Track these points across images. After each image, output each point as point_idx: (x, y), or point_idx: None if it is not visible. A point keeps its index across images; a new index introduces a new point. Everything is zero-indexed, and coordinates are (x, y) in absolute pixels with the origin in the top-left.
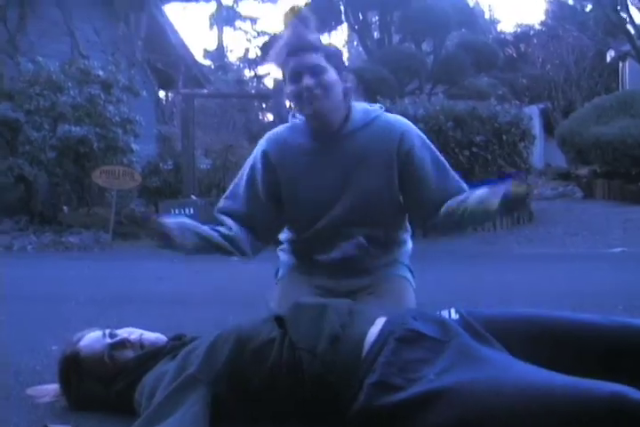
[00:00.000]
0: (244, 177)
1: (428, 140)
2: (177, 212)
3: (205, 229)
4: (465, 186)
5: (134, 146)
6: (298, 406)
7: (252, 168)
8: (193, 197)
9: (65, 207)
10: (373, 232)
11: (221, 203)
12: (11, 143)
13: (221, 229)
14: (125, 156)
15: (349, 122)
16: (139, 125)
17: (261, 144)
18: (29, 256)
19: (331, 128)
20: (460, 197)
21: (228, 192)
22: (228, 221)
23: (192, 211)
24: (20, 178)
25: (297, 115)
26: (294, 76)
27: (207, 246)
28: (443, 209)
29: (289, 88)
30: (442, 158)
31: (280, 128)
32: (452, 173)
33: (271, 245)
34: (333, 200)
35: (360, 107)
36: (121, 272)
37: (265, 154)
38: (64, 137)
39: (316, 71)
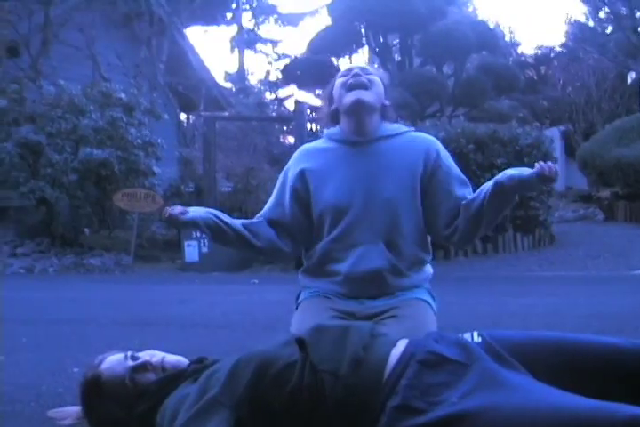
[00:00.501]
0: (277, 186)
1: (450, 157)
2: (199, 234)
3: (220, 212)
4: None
5: (156, 169)
6: None
7: (283, 179)
8: None
9: (86, 230)
10: (393, 240)
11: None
12: (33, 166)
13: (245, 221)
14: (147, 178)
15: (382, 129)
16: (160, 148)
17: (295, 156)
18: (51, 278)
19: (364, 129)
20: (479, 190)
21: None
22: (259, 220)
23: None
24: (41, 200)
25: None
26: (346, 71)
27: (224, 228)
28: (462, 204)
29: (337, 81)
30: (459, 171)
31: (316, 141)
32: (470, 187)
33: (293, 267)
34: (356, 204)
35: (392, 123)
36: (142, 295)
37: (297, 165)
38: (85, 160)
39: (367, 71)
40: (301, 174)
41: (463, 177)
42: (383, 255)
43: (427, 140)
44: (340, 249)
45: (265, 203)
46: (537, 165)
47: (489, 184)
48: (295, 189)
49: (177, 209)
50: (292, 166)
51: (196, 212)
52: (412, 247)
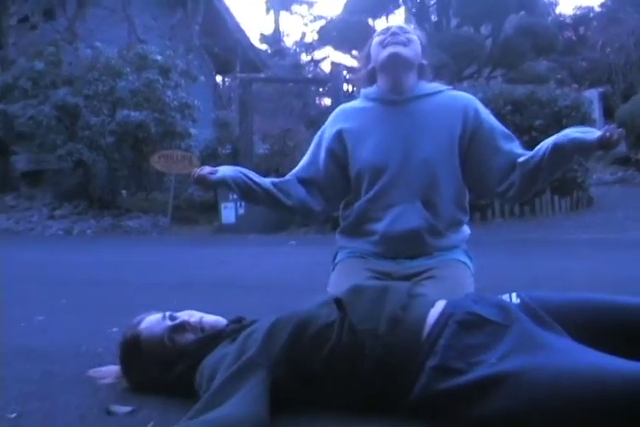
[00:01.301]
0: (311, 145)
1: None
2: (235, 196)
3: (251, 172)
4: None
5: (192, 130)
6: (357, 389)
7: (319, 139)
8: None
9: (123, 192)
10: (431, 200)
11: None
12: (70, 128)
13: (275, 179)
14: (183, 140)
15: (419, 88)
16: (197, 110)
17: (332, 116)
18: (89, 240)
19: (401, 87)
20: (537, 148)
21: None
22: (289, 179)
23: None
24: (79, 163)
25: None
26: (384, 30)
27: (253, 188)
28: (518, 161)
29: (375, 40)
30: (507, 131)
31: (353, 101)
32: (518, 142)
33: (330, 228)
34: (393, 164)
35: (430, 82)
36: (180, 256)
37: (334, 125)
38: (122, 122)
39: (405, 30)
40: (338, 135)
41: (507, 131)
42: (420, 215)
43: (465, 98)
44: (376, 209)
45: None
46: (603, 129)
47: (548, 142)
48: (331, 150)
49: (206, 169)
50: (329, 127)
51: (225, 171)
52: (449, 208)
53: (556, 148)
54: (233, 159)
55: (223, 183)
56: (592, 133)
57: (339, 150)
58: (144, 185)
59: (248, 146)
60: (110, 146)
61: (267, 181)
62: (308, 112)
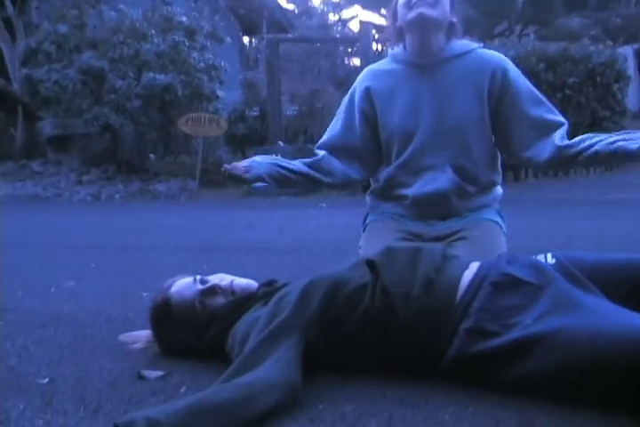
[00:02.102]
0: (342, 109)
1: (523, 75)
2: None
3: (284, 160)
4: (562, 119)
5: (219, 93)
6: (391, 352)
7: (350, 100)
8: (280, 143)
9: (151, 155)
10: (462, 165)
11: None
12: (96, 92)
13: (305, 160)
14: (211, 103)
15: (447, 49)
16: (223, 72)
17: (360, 76)
18: (117, 205)
19: (429, 49)
20: (580, 140)
21: (327, 130)
22: (320, 153)
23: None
24: (105, 127)
25: (395, 48)
26: None
27: (289, 176)
28: (556, 144)
29: (401, 0)
30: (538, 92)
31: (380, 62)
32: (550, 105)
33: (360, 190)
34: (423, 129)
35: (460, 41)
36: (209, 220)
37: (363, 84)
38: (149, 85)
39: None
40: (368, 95)
41: (537, 95)
42: (450, 179)
43: (494, 59)
44: (406, 174)
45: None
46: None
47: (592, 143)
48: (363, 111)
49: (239, 168)
50: (358, 87)
51: (258, 167)
52: (481, 170)
53: (598, 156)
54: (261, 121)
55: (259, 180)
56: (635, 142)
57: (369, 111)
58: (172, 148)
59: (276, 107)
60: (137, 109)
61: (301, 166)
62: (336, 73)
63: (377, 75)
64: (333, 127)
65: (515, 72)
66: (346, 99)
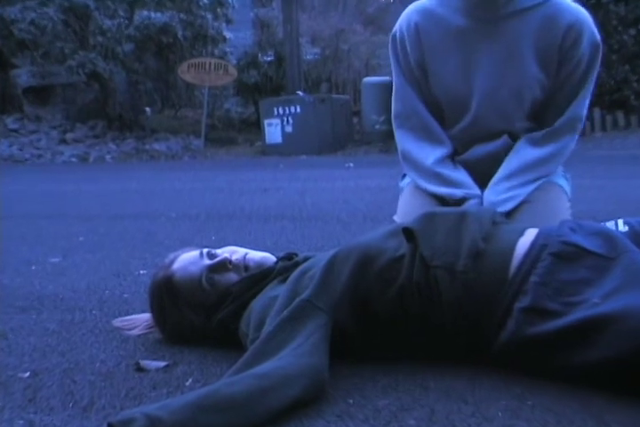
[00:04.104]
0: (393, 62)
1: (599, 44)
2: (281, 111)
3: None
4: (583, 116)
5: (227, 34)
6: (431, 336)
7: (401, 46)
8: (299, 92)
9: (147, 109)
10: (521, 132)
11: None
12: (80, 34)
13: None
14: (217, 46)
15: (515, 1)
16: (231, 9)
17: (407, 15)
18: (109, 168)
19: (493, 3)
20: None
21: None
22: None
23: (299, 109)
24: (93, 76)
25: None
26: None
27: None
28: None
29: None
30: (593, 76)
31: (425, 1)
32: (587, 99)
33: (394, 147)
34: (478, 93)
35: None
36: (218, 184)
37: (413, 25)
38: (143, 25)
39: None
40: (417, 36)
41: (580, 87)
42: (506, 141)
43: (573, 14)
44: (457, 144)
45: (359, 72)
46: None
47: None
48: (418, 61)
49: None
50: (405, 27)
51: None
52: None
53: None
54: (277, 67)
55: None
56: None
57: (420, 59)
58: (172, 101)
59: (294, 51)
60: (129, 55)
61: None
62: (364, 9)
63: (426, 16)
64: (402, 89)
65: (590, 40)
66: (392, 51)
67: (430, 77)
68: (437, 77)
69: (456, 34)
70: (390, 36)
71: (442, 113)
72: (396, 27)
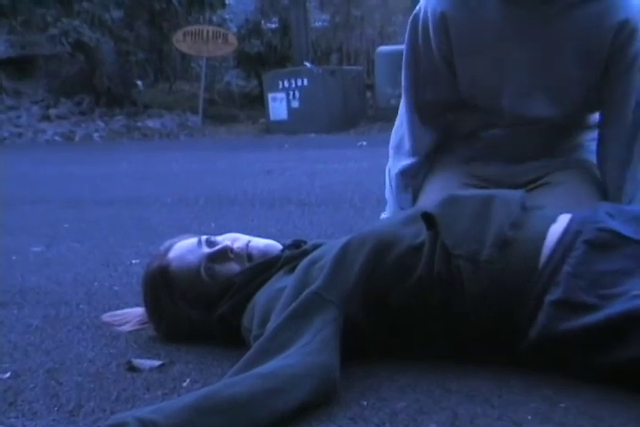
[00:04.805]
0: (408, 48)
1: None
2: (286, 85)
3: None
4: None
5: None
6: (453, 331)
7: (418, 29)
8: (307, 64)
9: (139, 83)
10: (558, 126)
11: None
12: (63, 0)
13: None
14: (215, 12)
15: None
16: None
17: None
18: (97, 148)
19: None
20: None
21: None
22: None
23: (306, 82)
24: (78, 45)
25: None
26: None
27: None
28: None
29: None
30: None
31: None
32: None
33: None
34: (511, 92)
35: None
36: (217, 165)
37: (439, 12)
38: None
39: None
40: (444, 27)
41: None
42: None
43: (623, 11)
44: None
45: (372, 40)
46: None
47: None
48: (440, 49)
49: None
50: (430, 12)
51: None
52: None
53: None
54: (282, 36)
55: None
56: None
57: (446, 51)
58: (166, 73)
59: (301, 17)
60: (118, 22)
61: None
62: None
63: (457, 2)
64: (415, 76)
65: None
66: (411, 33)
67: (457, 72)
68: (465, 74)
69: (491, 28)
70: (410, 19)
71: (461, 111)
72: (420, 8)
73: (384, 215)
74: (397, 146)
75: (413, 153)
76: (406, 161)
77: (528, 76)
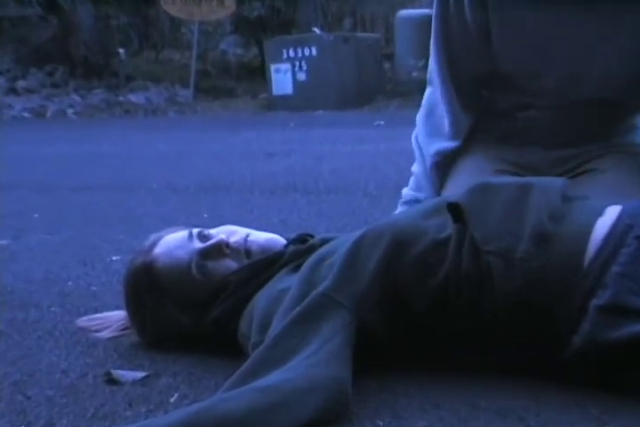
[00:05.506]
0: (437, 12)
1: None
2: (292, 54)
3: None
4: None
5: None
6: (481, 340)
7: (452, 5)
8: (316, 30)
9: (121, 51)
10: (607, 108)
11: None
12: None
13: None
14: None
15: None
16: None
17: None
18: (72, 126)
19: None
20: None
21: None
22: None
23: (315, 52)
24: (50, 7)
25: None
26: None
27: None
28: None
29: None
30: None
31: None
32: None
33: None
34: (567, 66)
35: None
36: (210, 146)
37: None
38: None
39: None
40: (482, 2)
41: None
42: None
43: None
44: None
45: (391, 3)
46: None
47: None
48: (480, 26)
49: None
50: None
51: None
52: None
53: None
54: None
55: None
56: None
57: (482, 21)
58: (152, 40)
59: None
60: None
61: None
62: None
63: None
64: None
65: None
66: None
67: (494, 45)
68: (504, 50)
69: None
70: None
71: (495, 89)
72: None
73: (405, 191)
74: (426, 118)
75: (453, 136)
76: (445, 143)
77: (579, 52)
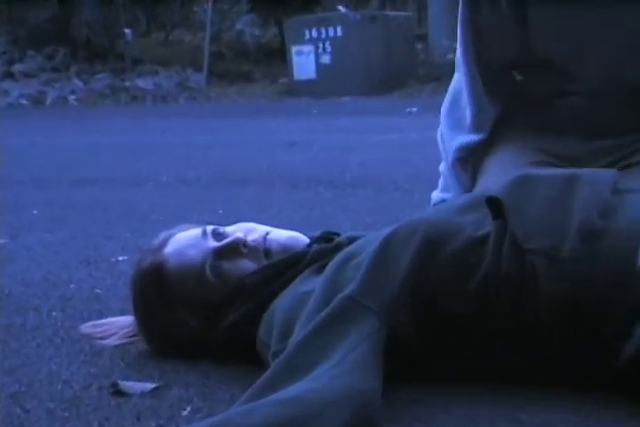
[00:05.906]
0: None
1: None
2: (315, 34)
3: None
4: None
5: None
6: (524, 347)
7: None
8: (341, 8)
9: (127, 31)
10: None
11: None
12: None
13: None
14: None
15: None
16: None
17: None
18: (74, 113)
19: None
20: None
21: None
22: None
23: (340, 32)
24: None
25: None
26: None
27: None
28: None
29: None
30: None
31: None
32: None
33: None
34: (613, 49)
35: None
36: (225, 135)
37: None
38: None
39: None
40: None
41: None
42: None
43: None
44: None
45: None
46: None
47: None
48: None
49: None
50: None
51: None
52: None
53: None
54: None
55: None
56: None
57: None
58: (161, 20)
59: None
60: None
61: None
62: None
63: None
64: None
65: None
66: None
67: (531, 27)
68: (541, 31)
69: None
70: None
71: (531, 74)
72: None
73: (435, 194)
74: (450, 109)
75: (476, 128)
76: (467, 137)
77: (623, 36)
